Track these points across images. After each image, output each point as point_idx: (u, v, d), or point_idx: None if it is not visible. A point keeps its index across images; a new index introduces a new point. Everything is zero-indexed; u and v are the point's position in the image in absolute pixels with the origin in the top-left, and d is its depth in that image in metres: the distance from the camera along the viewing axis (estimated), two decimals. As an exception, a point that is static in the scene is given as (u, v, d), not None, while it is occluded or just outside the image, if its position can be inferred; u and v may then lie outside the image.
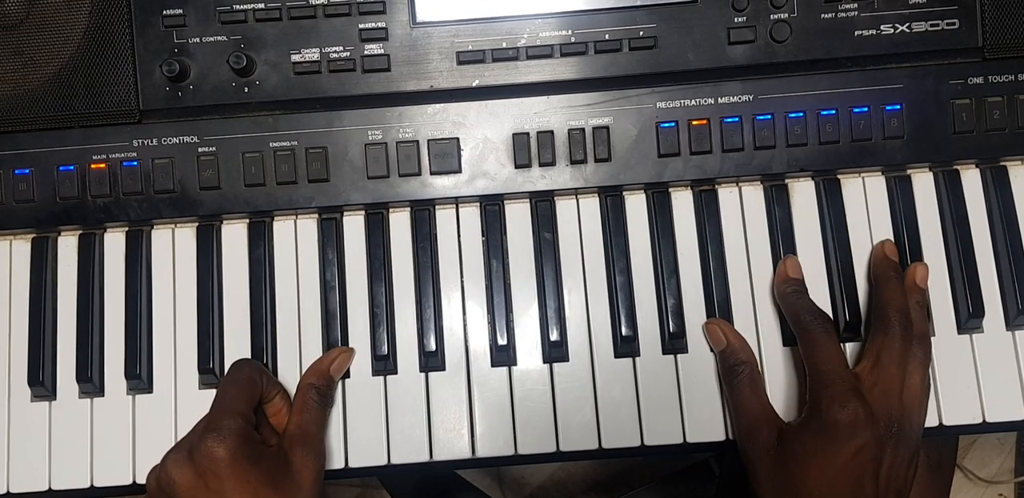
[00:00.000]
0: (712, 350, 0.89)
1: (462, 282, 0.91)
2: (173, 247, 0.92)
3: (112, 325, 0.91)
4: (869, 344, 0.85)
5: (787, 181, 0.92)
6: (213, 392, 0.89)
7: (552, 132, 0.90)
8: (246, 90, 0.91)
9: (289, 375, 0.90)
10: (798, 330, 0.86)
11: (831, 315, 0.89)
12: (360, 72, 0.91)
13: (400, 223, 0.92)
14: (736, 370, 0.86)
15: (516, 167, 0.91)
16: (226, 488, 0.78)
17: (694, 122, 0.90)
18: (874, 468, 0.79)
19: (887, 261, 0.88)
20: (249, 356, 0.90)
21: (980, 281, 0.89)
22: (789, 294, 0.88)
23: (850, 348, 0.89)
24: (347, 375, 0.90)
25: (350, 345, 0.90)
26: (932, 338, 0.89)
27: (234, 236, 0.92)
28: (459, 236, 0.92)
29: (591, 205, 0.92)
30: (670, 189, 0.92)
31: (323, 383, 0.87)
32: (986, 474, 1.66)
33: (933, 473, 1.02)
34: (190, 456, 0.79)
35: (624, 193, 0.92)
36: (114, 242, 0.93)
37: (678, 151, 0.90)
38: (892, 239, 0.91)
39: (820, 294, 0.89)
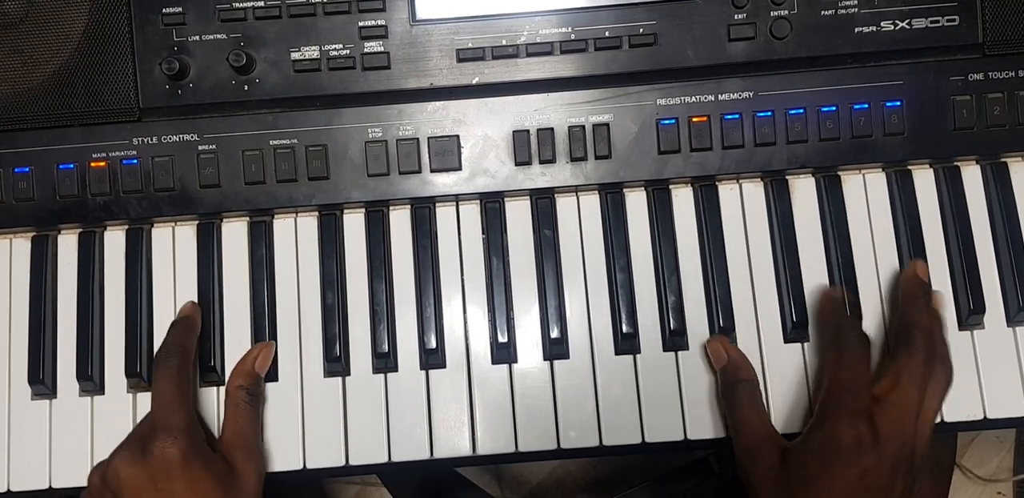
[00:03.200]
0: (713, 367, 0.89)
1: (462, 280, 0.91)
2: (173, 245, 0.92)
3: (112, 323, 0.91)
4: (891, 364, 0.83)
5: (788, 178, 0.92)
6: (213, 390, 0.90)
7: (552, 129, 0.90)
8: (246, 88, 0.91)
9: (290, 372, 0.90)
10: (835, 339, 0.85)
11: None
12: (360, 70, 0.91)
13: (400, 221, 0.92)
14: (737, 387, 0.86)
15: (516, 164, 0.91)
16: (176, 490, 0.78)
17: (694, 119, 0.90)
18: (882, 494, 0.77)
19: (918, 280, 0.87)
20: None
21: (981, 277, 0.89)
22: (832, 308, 0.87)
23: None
24: (347, 373, 0.90)
25: (351, 343, 0.90)
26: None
27: (234, 234, 0.92)
28: (459, 234, 0.92)
29: (591, 202, 0.92)
30: (671, 186, 0.92)
31: (250, 382, 0.87)
32: (985, 472, 1.66)
33: (932, 472, 1.02)
34: (142, 455, 0.78)
35: (624, 190, 0.92)
36: (114, 240, 0.93)
37: (678, 148, 0.90)
38: (893, 236, 0.91)
39: (819, 291, 0.89)
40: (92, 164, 0.91)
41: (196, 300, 0.91)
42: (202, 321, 0.90)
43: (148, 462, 0.78)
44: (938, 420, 0.88)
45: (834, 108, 0.90)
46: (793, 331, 0.89)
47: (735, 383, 0.86)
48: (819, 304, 0.89)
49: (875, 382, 0.83)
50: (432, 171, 0.91)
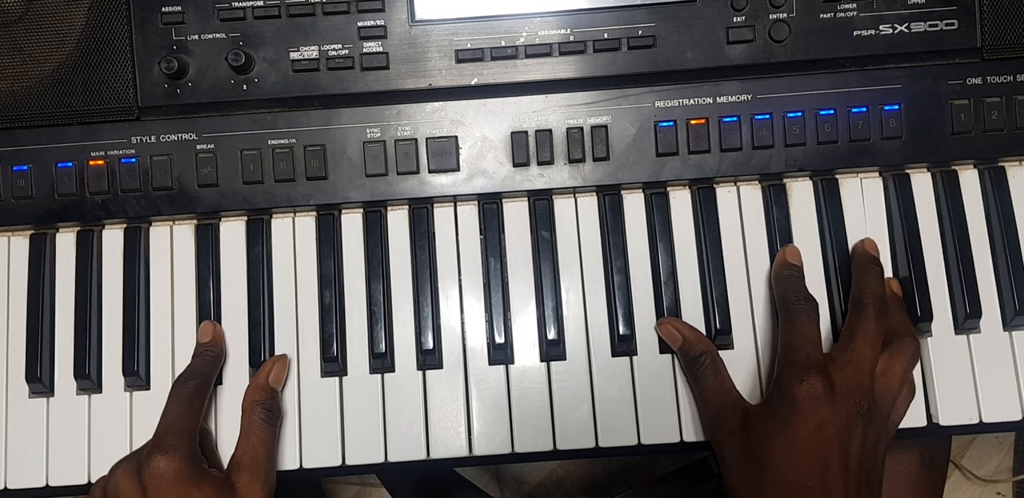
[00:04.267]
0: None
1: (460, 280, 0.91)
2: (171, 244, 0.93)
3: (110, 322, 0.91)
4: (844, 327, 0.85)
5: (785, 181, 0.92)
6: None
7: (550, 131, 0.90)
8: (245, 88, 0.91)
9: (288, 372, 0.90)
10: (781, 310, 0.86)
11: (829, 315, 0.89)
12: (359, 70, 0.91)
13: (398, 221, 0.92)
14: (698, 361, 0.86)
15: (514, 166, 0.91)
16: None
17: (692, 121, 0.90)
18: (839, 445, 0.78)
19: (867, 254, 0.89)
20: (247, 354, 0.90)
21: (978, 281, 0.89)
22: (784, 277, 0.88)
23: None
24: (344, 373, 0.90)
25: (347, 343, 0.90)
26: (929, 338, 0.89)
27: (232, 233, 0.93)
28: (457, 234, 0.92)
29: (589, 204, 0.92)
30: (668, 188, 0.92)
31: (266, 397, 0.86)
32: (984, 473, 1.66)
33: (927, 470, 1.02)
34: (138, 469, 0.80)
35: (622, 192, 0.92)
36: (112, 239, 0.93)
37: (676, 150, 0.90)
38: (889, 239, 0.91)
39: (817, 293, 0.89)
40: (91, 163, 0.91)
41: (193, 299, 0.91)
42: (200, 320, 0.90)
43: (142, 476, 0.79)
44: (933, 423, 0.88)
45: (832, 111, 0.90)
46: (790, 334, 0.89)
47: (695, 357, 0.87)
48: (775, 271, 0.90)
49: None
50: (430, 172, 0.91)
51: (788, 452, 0.79)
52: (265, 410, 0.86)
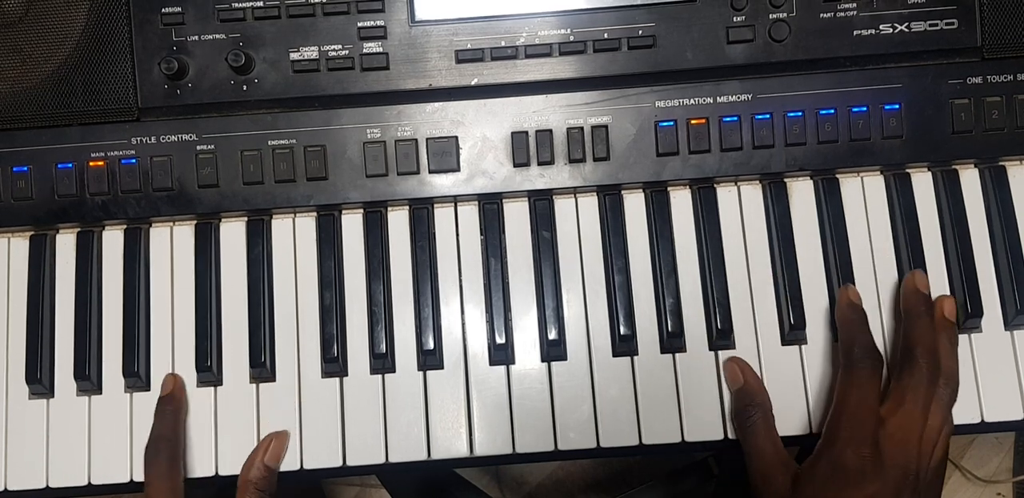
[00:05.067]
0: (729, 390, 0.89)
1: (460, 281, 0.91)
2: (171, 245, 0.92)
3: (110, 323, 0.91)
4: (895, 383, 0.83)
5: (786, 180, 0.92)
6: (210, 390, 0.90)
7: (551, 131, 0.90)
8: (245, 88, 0.91)
9: (288, 373, 0.90)
10: (845, 361, 0.84)
11: (829, 315, 0.89)
12: (359, 70, 0.91)
13: (399, 221, 0.92)
14: (749, 411, 0.85)
15: (515, 166, 0.91)
16: None
17: (693, 121, 0.90)
18: None
19: (918, 294, 0.87)
20: (247, 355, 0.90)
21: (979, 281, 0.89)
22: (851, 322, 0.86)
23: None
24: (345, 373, 0.90)
25: (348, 343, 0.90)
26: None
27: (232, 234, 0.92)
28: (458, 235, 0.92)
29: (590, 204, 0.92)
30: (669, 188, 0.92)
31: (261, 475, 0.85)
32: (984, 473, 1.66)
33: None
34: None
35: (623, 192, 0.92)
36: (112, 240, 0.93)
37: (677, 150, 0.90)
38: (891, 239, 0.91)
39: (817, 294, 0.89)
40: (91, 163, 0.91)
41: (193, 300, 0.91)
42: (200, 321, 0.90)
43: None
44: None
45: (832, 111, 0.90)
46: (791, 334, 0.89)
47: (748, 407, 0.85)
48: (839, 308, 0.88)
49: (881, 402, 0.83)
50: (430, 172, 0.91)
51: None
52: (258, 490, 0.85)
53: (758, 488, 0.84)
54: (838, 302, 0.88)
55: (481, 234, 0.92)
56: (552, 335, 0.89)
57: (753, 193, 0.92)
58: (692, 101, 0.90)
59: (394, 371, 0.90)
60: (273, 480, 0.87)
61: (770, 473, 0.83)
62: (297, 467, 0.88)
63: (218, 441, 0.89)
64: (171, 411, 0.88)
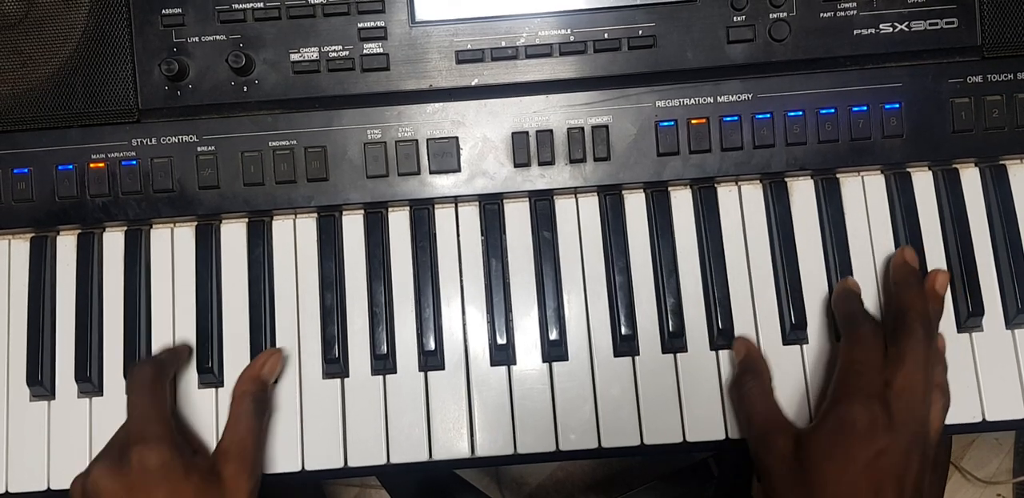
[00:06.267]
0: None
1: (461, 281, 0.91)
2: (172, 246, 0.92)
3: (111, 324, 0.91)
4: (892, 348, 0.83)
5: (786, 180, 0.92)
6: (211, 391, 0.89)
7: (551, 131, 0.90)
8: (245, 89, 0.91)
9: (289, 374, 0.90)
10: (847, 327, 0.85)
11: (831, 315, 0.89)
12: (359, 71, 0.91)
13: (399, 222, 0.92)
14: (745, 379, 0.86)
15: (515, 166, 0.91)
16: None
17: (693, 121, 0.90)
18: (896, 475, 0.77)
19: (907, 266, 0.88)
20: (248, 356, 0.90)
21: (980, 280, 0.89)
22: (847, 300, 0.87)
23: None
24: (346, 374, 0.90)
25: (349, 344, 0.90)
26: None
27: (233, 235, 0.92)
28: (458, 235, 0.92)
29: (590, 204, 0.92)
30: (669, 188, 0.92)
31: (256, 388, 0.85)
32: (984, 474, 1.66)
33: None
34: (119, 465, 0.77)
35: (623, 192, 0.92)
36: (113, 241, 0.93)
37: (677, 150, 0.90)
38: (892, 238, 0.91)
39: (818, 294, 0.89)
40: (91, 165, 0.91)
41: (194, 301, 0.91)
42: (201, 323, 0.90)
43: (126, 473, 0.77)
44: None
45: (833, 110, 0.90)
46: (792, 333, 0.89)
47: (744, 375, 0.86)
48: (836, 293, 0.89)
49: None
50: (431, 173, 0.91)
51: (843, 479, 0.77)
52: (254, 401, 0.85)
53: (759, 454, 0.83)
54: (836, 292, 0.89)
55: (482, 234, 0.92)
56: (553, 335, 0.89)
57: (754, 193, 0.92)
58: (692, 101, 0.90)
59: (395, 372, 0.90)
60: (267, 393, 0.87)
61: (770, 436, 0.83)
62: (298, 468, 0.88)
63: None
64: (168, 350, 0.89)
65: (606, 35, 0.90)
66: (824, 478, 0.78)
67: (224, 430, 0.85)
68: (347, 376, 0.90)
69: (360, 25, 0.90)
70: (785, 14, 0.90)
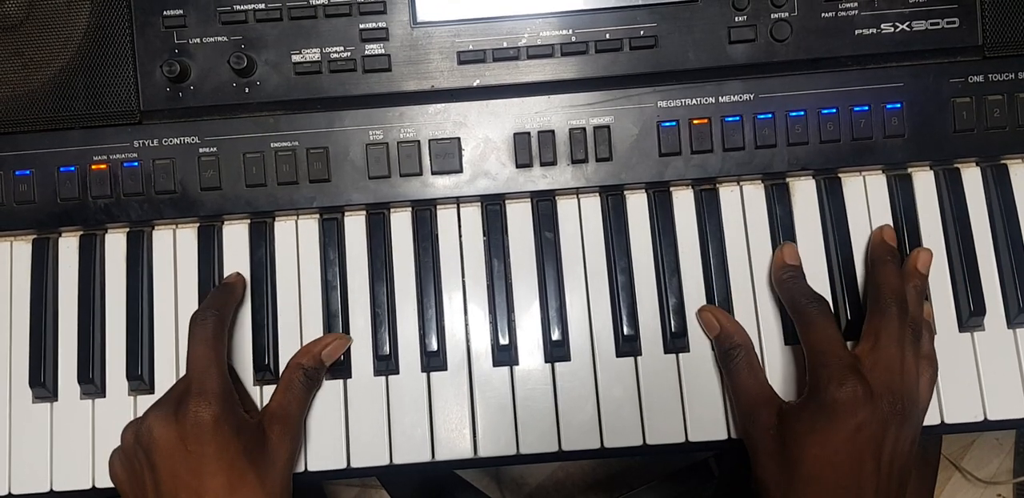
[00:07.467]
0: (708, 337, 0.90)
1: (463, 282, 0.91)
2: (174, 248, 0.92)
3: (113, 326, 0.91)
4: (866, 326, 0.85)
5: (788, 180, 0.92)
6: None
7: (553, 132, 0.91)
8: (247, 90, 0.91)
9: (291, 375, 0.90)
10: (795, 314, 0.86)
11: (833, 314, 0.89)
12: (361, 72, 0.91)
13: (401, 223, 0.92)
14: (732, 353, 0.87)
15: (517, 167, 0.91)
16: (206, 453, 0.78)
17: (695, 121, 0.90)
18: (875, 447, 0.79)
19: (884, 245, 0.89)
20: (251, 356, 0.90)
21: (981, 279, 0.90)
22: (786, 280, 0.88)
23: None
24: (348, 375, 0.90)
25: (351, 345, 0.90)
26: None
27: (235, 236, 0.92)
28: (460, 236, 0.92)
29: (592, 204, 0.92)
30: (671, 188, 0.92)
31: (312, 365, 0.87)
32: (985, 474, 1.66)
33: (919, 466, 1.03)
34: (176, 416, 0.79)
35: (625, 192, 0.92)
36: (115, 243, 0.93)
37: (679, 150, 0.90)
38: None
39: (820, 293, 0.89)
40: (93, 167, 0.91)
41: (197, 302, 0.91)
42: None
43: (181, 424, 0.79)
44: (939, 421, 0.88)
45: (834, 110, 0.90)
46: (794, 333, 0.89)
47: (730, 349, 0.87)
48: (775, 273, 0.90)
49: (856, 346, 0.85)
50: (433, 173, 0.91)
51: (824, 452, 0.79)
52: (306, 375, 0.86)
53: (744, 424, 0.85)
54: (773, 264, 0.90)
55: (484, 235, 0.92)
56: (555, 336, 0.89)
57: (755, 193, 0.92)
58: (694, 101, 0.90)
59: (398, 373, 0.90)
60: (321, 372, 0.88)
61: (755, 409, 0.84)
62: (302, 469, 0.88)
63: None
64: (225, 290, 0.89)
65: (607, 35, 0.90)
66: (805, 451, 0.79)
67: (273, 394, 0.86)
68: (350, 377, 0.90)
69: (362, 26, 0.90)
70: (786, 14, 0.90)
